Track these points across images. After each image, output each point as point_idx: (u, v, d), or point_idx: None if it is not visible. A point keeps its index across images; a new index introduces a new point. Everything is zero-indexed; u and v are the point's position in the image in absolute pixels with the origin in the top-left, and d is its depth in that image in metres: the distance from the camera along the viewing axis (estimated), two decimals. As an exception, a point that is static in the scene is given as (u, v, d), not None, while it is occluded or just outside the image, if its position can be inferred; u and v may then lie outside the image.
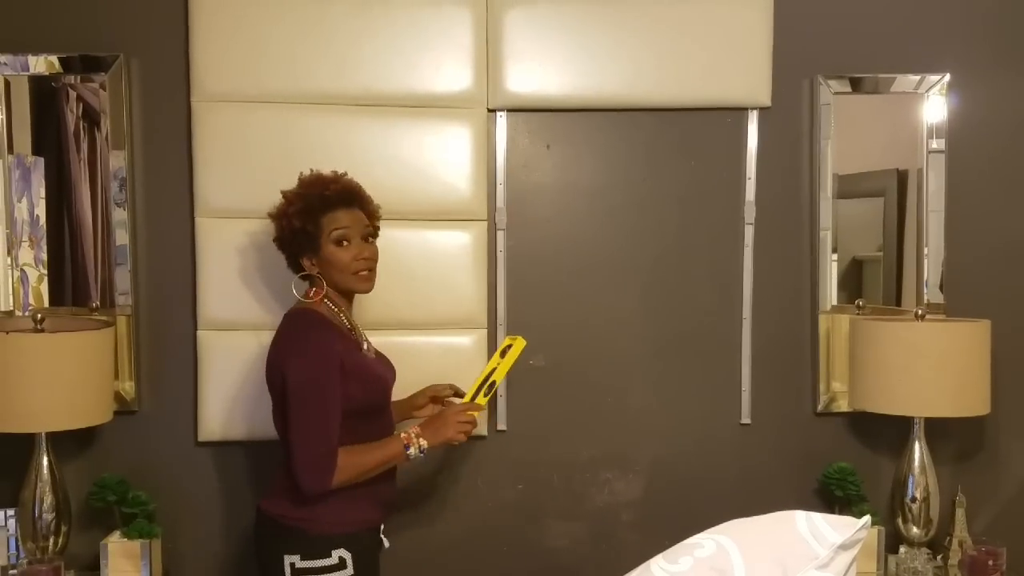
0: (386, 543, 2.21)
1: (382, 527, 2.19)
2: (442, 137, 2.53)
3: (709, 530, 1.34)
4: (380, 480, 2.09)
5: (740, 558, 1.23)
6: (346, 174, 2.17)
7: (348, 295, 2.16)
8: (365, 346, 2.16)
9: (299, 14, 2.48)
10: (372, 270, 2.13)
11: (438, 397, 2.37)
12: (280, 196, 2.14)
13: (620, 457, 2.65)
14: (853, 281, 2.72)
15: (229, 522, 2.56)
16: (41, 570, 2.18)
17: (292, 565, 1.98)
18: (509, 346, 2.32)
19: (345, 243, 2.08)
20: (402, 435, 2.07)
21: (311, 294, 2.12)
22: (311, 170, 2.17)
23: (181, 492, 2.53)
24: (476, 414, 2.17)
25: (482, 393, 2.23)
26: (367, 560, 2.08)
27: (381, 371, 2.16)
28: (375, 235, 2.17)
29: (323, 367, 1.98)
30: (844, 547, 1.24)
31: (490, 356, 2.53)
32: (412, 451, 2.05)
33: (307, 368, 1.98)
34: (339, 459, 1.96)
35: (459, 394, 2.34)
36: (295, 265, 2.15)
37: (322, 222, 2.07)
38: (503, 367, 2.28)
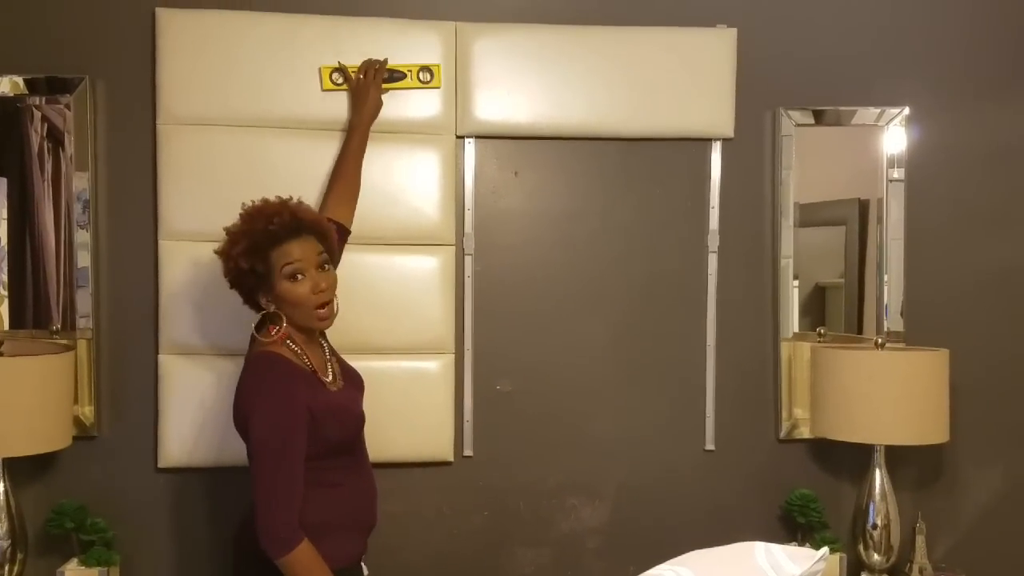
0: (365, 571, 2.17)
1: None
2: (411, 163, 2.54)
3: (670, 561, 1.34)
4: (364, 508, 2.07)
5: (700, 590, 1.24)
6: (292, 198, 2.02)
7: (308, 330, 2.06)
8: (330, 377, 2.05)
9: (267, 38, 2.48)
10: (331, 302, 2.02)
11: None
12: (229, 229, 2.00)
13: (586, 483, 2.65)
14: (816, 307, 2.75)
15: (188, 549, 2.52)
16: (-5, 599, 2.15)
17: None
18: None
19: (299, 276, 1.95)
20: None
21: (272, 332, 1.99)
22: (252, 202, 2.01)
23: (140, 519, 2.50)
24: None
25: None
26: None
27: (350, 403, 2.06)
28: (330, 261, 2.03)
29: (287, 424, 1.88)
30: (802, 579, 1.25)
31: (457, 385, 2.58)
32: None
33: (271, 424, 1.88)
34: (303, 548, 1.85)
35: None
36: (252, 301, 2.04)
37: (271, 258, 1.93)
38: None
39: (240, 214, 2.00)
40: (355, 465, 2.07)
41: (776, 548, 1.30)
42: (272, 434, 1.87)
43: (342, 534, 2.00)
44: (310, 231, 2.00)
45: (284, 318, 1.99)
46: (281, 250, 1.94)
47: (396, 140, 2.53)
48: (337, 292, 2.05)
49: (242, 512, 2.08)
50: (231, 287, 2.03)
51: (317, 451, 1.92)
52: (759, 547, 1.31)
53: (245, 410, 1.92)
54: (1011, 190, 2.76)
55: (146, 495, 2.50)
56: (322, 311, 1.99)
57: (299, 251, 1.96)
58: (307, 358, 2.01)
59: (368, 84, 2.45)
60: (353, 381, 2.14)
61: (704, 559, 1.32)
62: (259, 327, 2.04)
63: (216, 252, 2.01)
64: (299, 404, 1.90)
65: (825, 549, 1.31)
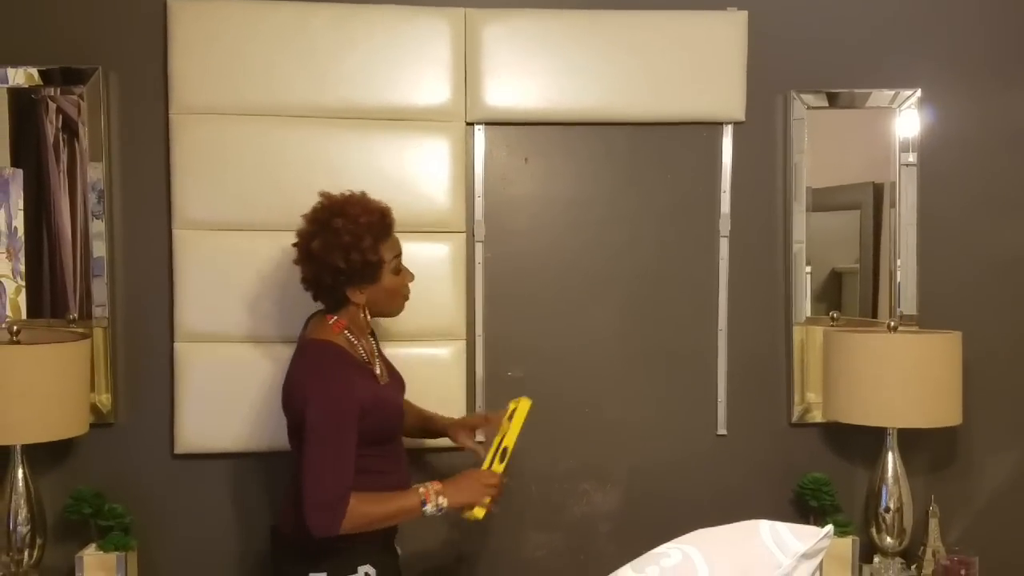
0: (399, 550, 2.23)
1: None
2: (421, 150, 2.55)
3: (676, 540, 1.35)
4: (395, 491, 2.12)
5: (705, 567, 1.25)
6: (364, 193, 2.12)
7: (367, 320, 2.15)
8: (379, 371, 2.15)
9: (278, 27, 2.49)
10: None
11: (466, 426, 2.36)
12: (310, 228, 2.05)
13: (598, 468, 2.66)
14: (832, 293, 2.75)
15: (205, 534, 2.55)
16: (15, 583, 2.18)
17: None
18: (514, 410, 2.23)
19: (401, 269, 2.11)
20: (420, 489, 2.01)
21: (330, 321, 2.08)
22: (349, 192, 2.11)
23: (157, 505, 2.53)
24: (496, 481, 2.10)
25: (497, 460, 2.15)
26: (390, 572, 2.11)
27: (395, 398, 2.16)
28: None
29: (343, 410, 1.95)
30: (807, 556, 1.26)
31: (469, 371, 2.57)
32: (429, 508, 2.00)
33: (328, 410, 1.95)
34: (351, 505, 1.92)
35: (487, 424, 2.34)
36: (331, 296, 2.09)
37: (382, 251, 2.05)
38: (512, 431, 2.19)
39: (338, 206, 2.04)
40: (394, 454, 2.14)
41: (781, 526, 1.31)
42: (328, 418, 1.94)
43: None
44: None
45: (360, 310, 2.08)
46: (390, 243, 2.08)
47: (406, 127, 2.54)
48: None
49: (280, 501, 2.11)
50: (325, 282, 2.05)
51: (361, 439, 1.99)
52: (764, 525, 1.32)
53: (300, 395, 1.98)
54: (1024, 173, 2.74)
55: (163, 481, 2.53)
56: (406, 299, 2.16)
57: (398, 245, 2.12)
58: (361, 349, 2.10)
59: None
60: (396, 378, 2.23)
61: (709, 537, 1.33)
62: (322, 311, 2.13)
63: (316, 250, 2.01)
64: (354, 392, 1.97)
65: (830, 526, 1.31)
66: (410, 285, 2.17)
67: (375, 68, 2.52)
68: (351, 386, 1.98)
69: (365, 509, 1.93)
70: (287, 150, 2.50)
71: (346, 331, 2.08)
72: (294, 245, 2.08)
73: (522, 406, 2.22)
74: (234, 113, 2.49)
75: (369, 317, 2.13)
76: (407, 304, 2.48)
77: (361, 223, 2.01)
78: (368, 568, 2.02)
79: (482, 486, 2.06)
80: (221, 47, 2.48)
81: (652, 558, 1.32)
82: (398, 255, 2.10)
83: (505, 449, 2.16)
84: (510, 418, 2.21)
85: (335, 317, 2.08)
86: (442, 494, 2.01)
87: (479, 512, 2.07)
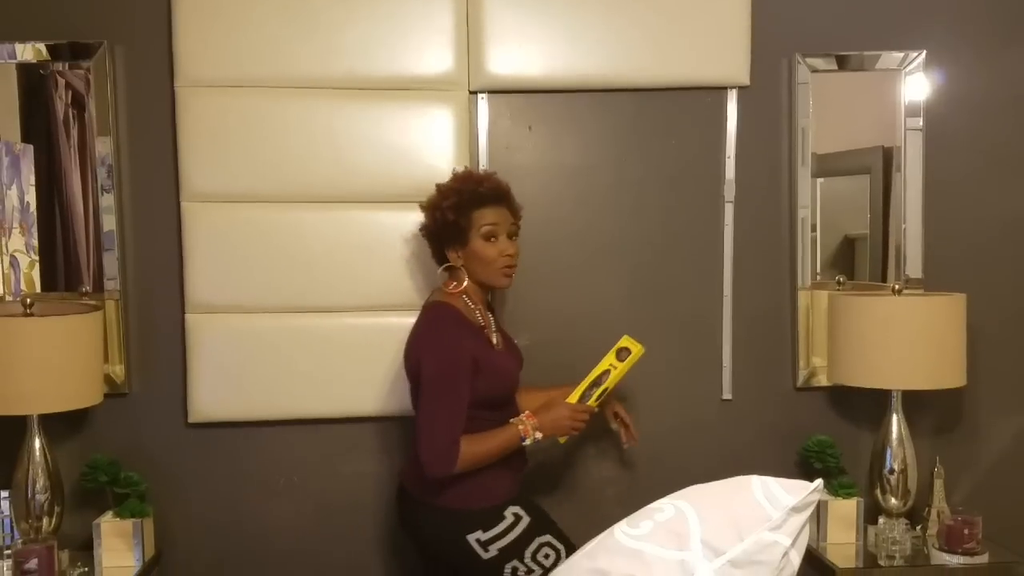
0: None
1: None
2: (424, 120, 2.56)
3: (670, 495, 1.38)
4: (516, 452, 2.21)
5: (697, 521, 1.27)
6: (495, 173, 2.27)
7: (484, 290, 2.29)
8: (495, 339, 2.25)
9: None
10: (513, 267, 2.24)
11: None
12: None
13: (604, 434, 2.68)
14: (845, 259, 2.74)
15: (218, 501, 2.60)
16: (35, 550, 2.22)
17: (478, 540, 2.12)
18: (626, 348, 2.29)
19: (493, 239, 2.19)
20: (519, 426, 2.15)
21: (450, 287, 2.23)
22: (464, 167, 2.34)
23: (172, 472, 2.58)
24: (588, 416, 2.23)
25: (594, 397, 2.25)
26: (530, 503, 2.24)
27: (509, 365, 2.26)
28: (517, 234, 2.27)
29: (455, 363, 2.09)
30: (796, 509, 1.28)
31: None
32: (528, 441, 2.16)
33: (440, 363, 2.10)
34: (464, 453, 2.06)
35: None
36: (440, 256, 2.27)
37: (473, 216, 2.17)
38: (617, 374, 2.27)
39: (453, 175, 2.26)
40: (502, 423, 2.19)
41: (772, 481, 1.33)
42: (440, 373, 2.10)
43: (495, 473, 2.16)
44: (508, 202, 2.26)
45: (466, 274, 2.21)
46: (483, 212, 2.19)
47: (409, 97, 2.55)
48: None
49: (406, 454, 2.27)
50: (427, 237, 2.28)
51: (472, 400, 2.10)
52: (755, 480, 1.34)
53: (416, 352, 2.15)
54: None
55: (177, 450, 2.58)
56: (507, 270, 2.23)
57: (496, 216, 2.21)
58: (479, 314, 2.22)
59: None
60: (514, 351, 2.34)
61: (702, 492, 1.35)
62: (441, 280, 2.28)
63: (423, 205, 2.26)
64: (465, 350, 2.11)
65: (819, 481, 1.33)
66: (509, 258, 2.22)
67: (378, 38, 2.52)
68: (461, 343, 2.12)
69: (473, 449, 2.08)
70: (292, 121, 2.51)
71: (465, 296, 2.22)
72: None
73: (636, 352, 2.28)
74: (239, 85, 2.51)
75: (477, 286, 2.24)
76: (415, 273, 2.50)
77: (453, 187, 2.19)
78: (513, 509, 2.17)
79: (572, 422, 2.20)
80: (226, 19, 2.48)
81: (646, 513, 1.34)
82: (492, 224, 2.18)
83: (606, 389, 2.26)
84: (618, 355, 2.28)
85: (454, 283, 2.23)
86: (538, 429, 2.16)
87: (562, 439, 2.26)
